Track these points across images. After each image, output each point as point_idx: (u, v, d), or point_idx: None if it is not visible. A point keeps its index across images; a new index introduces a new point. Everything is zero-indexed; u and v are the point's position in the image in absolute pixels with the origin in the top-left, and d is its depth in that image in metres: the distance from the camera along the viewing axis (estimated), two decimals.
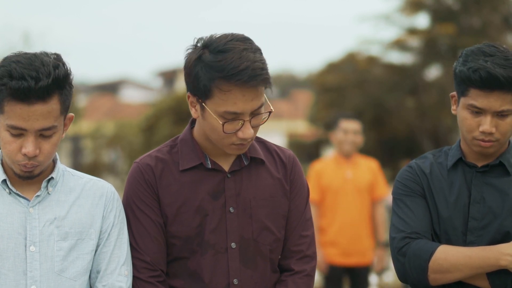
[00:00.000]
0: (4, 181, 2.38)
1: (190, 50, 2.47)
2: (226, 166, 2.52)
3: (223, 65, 2.36)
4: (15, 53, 2.34)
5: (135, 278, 2.47)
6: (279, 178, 2.55)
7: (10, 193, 2.38)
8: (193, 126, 2.59)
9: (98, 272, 2.46)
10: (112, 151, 35.03)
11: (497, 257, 2.42)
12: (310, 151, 37.51)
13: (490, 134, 2.54)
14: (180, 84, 45.68)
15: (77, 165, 39.43)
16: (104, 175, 35.10)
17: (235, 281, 2.47)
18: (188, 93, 2.48)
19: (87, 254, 2.43)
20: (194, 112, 2.47)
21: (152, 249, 2.48)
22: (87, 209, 2.46)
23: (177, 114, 30.31)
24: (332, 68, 29.40)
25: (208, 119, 2.43)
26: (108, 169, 35.11)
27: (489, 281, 2.46)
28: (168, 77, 50.19)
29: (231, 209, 2.47)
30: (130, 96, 52.68)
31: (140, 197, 2.50)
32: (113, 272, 2.47)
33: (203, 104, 2.42)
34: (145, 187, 2.49)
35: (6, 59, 2.33)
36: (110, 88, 54.75)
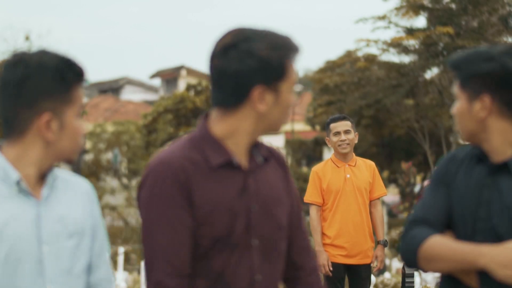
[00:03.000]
0: (18, 181, 2.34)
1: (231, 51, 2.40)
2: (244, 164, 2.52)
3: (286, 40, 2.43)
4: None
5: (160, 282, 2.37)
6: (282, 177, 2.60)
7: (20, 192, 2.34)
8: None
9: (90, 267, 2.49)
10: (112, 152, 35.00)
11: (476, 256, 2.45)
12: (310, 152, 37.50)
13: None
14: (180, 85, 45.64)
15: (77, 166, 39.41)
16: (104, 176, 35.13)
17: (258, 278, 2.49)
18: (258, 86, 2.39)
19: (87, 251, 2.46)
20: (263, 106, 2.41)
21: (181, 253, 2.39)
22: (81, 206, 2.47)
23: (176, 114, 30.35)
24: (331, 66, 29.42)
25: (283, 100, 2.44)
26: (108, 170, 35.09)
27: (478, 280, 2.50)
28: (167, 77, 50.16)
29: (255, 207, 2.48)
30: (130, 96, 52.65)
31: (172, 198, 2.38)
32: (104, 264, 2.54)
33: (277, 87, 2.41)
34: (178, 187, 2.38)
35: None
36: (110, 88, 54.71)
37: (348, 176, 6.84)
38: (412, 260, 2.59)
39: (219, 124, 2.46)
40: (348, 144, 6.83)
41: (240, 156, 2.49)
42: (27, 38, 30.32)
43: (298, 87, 37.80)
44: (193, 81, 34.81)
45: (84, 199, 2.49)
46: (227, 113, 2.44)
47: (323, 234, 6.84)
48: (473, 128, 2.55)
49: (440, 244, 2.53)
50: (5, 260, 2.29)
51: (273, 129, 2.50)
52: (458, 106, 2.59)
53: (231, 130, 2.45)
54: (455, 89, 2.61)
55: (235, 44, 2.39)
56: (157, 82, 55.56)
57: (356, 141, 6.91)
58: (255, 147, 2.55)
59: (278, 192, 2.57)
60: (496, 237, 2.49)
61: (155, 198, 2.39)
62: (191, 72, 46.90)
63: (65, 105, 2.33)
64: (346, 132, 6.82)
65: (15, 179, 2.32)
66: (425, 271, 2.61)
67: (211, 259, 2.43)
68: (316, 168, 6.98)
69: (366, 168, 6.93)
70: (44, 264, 2.34)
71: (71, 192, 2.46)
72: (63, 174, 2.49)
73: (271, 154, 2.60)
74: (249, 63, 2.37)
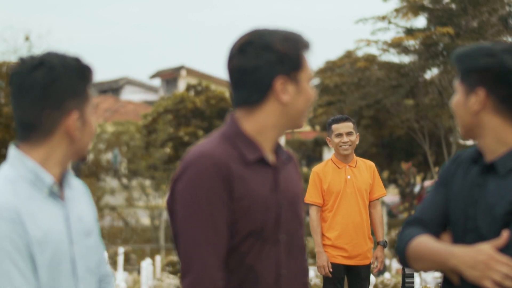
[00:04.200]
0: (52, 185, 2.36)
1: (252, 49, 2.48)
2: (273, 161, 2.58)
3: (299, 35, 2.53)
4: None
5: (206, 275, 2.38)
6: (298, 177, 2.69)
7: (50, 195, 2.36)
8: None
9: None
10: (112, 152, 34.99)
11: (448, 256, 2.49)
12: (310, 153, 37.49)
13: None
14: (180, 85, 45.64)
15: (77, 166, 39.40)
16: (104, 176, 35.13)
17: (284, 272, 2.54)
18: (279, 77, 2.46)
19: (97, 249, 2.52)
20: (287, 96, 2.48)
21: (223, 246, 2.42)
22: (88, 205, 2.53)
23: (176, 114, 30.35)
24: (331, 66, 29.42)
25: (304, 91, 2.51)
26: (108, 170, 35.08)
27: (459, 278, 2.53)
28: (167, 77, 50.17)
29: (284, 203, 2.54)
30: (130, 96, 52.66)
31: (215, 191, 2.39)
32: (104, 260, 2.62)
33: (297, 77, 2.49)
34: (220, 181, 2.39)
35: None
36: (110, 88, 54.71)
37: (348, 177, 6.84)
38: (402, 259, 2.66)
39: (247, 122, 2.52)
40: (349, 145, 6.83)
41: (269, 153, 2.55)
42: (27, 38, 30.32)
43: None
44: (193, 81, 34.82)
45: (87, 197, 2.55)
46: (253, 110, 2.51)
47: (323, 235, 6.84)
48: (468, 122, 2.59)
49: (422, 244, 2.59)
50: (50, 264, 2.32)
51: (297, 123, 2.56)
52: (456, 98, 2.64)
53: (259, 126, 2.51)
54: (456, 82, 2.66)
55: (251, 42, 2.48)
56: (157, 82, 55.57)
57: (357, 142, 6.92)
58: (278, 145, 2.61)
59: (299, 190, 2.65)
60: (480, 237, 2.51)
61: (197, 190, 2.39)
62: (191, 72, 46.90)
63: (85, 103, 2.40)
64: (348, 134, 6.82)
65: (49, 183, 2.35)
66: (415, 270, 2.67)
67: (242, 253, 2.46)
68: (317, 168, 6.98)
69: (366, 169, 6.94)
70: (76, 264, 2.39)
71: (78, 191, 2.51)
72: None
73: (289, 154, 2.68)
74: (267, 56, 2.46)
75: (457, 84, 2.64)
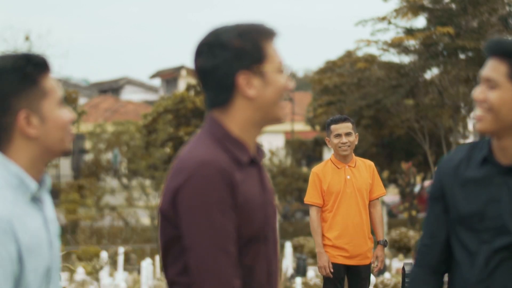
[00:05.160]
0: (36, 190, 2.34)
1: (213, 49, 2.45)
2: (257, 159, 2.55)
3: (258, 26, 2.47)
4: None
5: (229, 283, 2.36)
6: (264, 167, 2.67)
7: (32, 200, 2.34)
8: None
9: None
10: (112, 152, 34.99)
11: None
12: (310, 153, 37.48)
13: None
14: (180, 85, 45.64)
15: (77, 166, 39.42)
16: (104, 176, 35.13)
17: (272, 269, 2.54)
18: (240, 73, 2.42)
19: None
20: (253, 91, 2.43)
21: (236, 257, 2.40)
22: (50, 203, 2.49)
23: (176, 114, 30.34)
24: (331, 66, 29.42)
25: (272, 82, 2.45)
26: (108, 170, 35.08)
27: None
28: (167, 77, 50.18)
29: (269, 200, 2.53)
30: (130, 96, 52.66)
31: (224, 200, 2.36)
32: None
33: (261, 70, 2.44)
34: (226, 189, 2.36)
35: None
36: (110, 88, 54.71)
37: (348, 177, 6.85)
38: None
39: (229, 123, 2.47)
40: (348, 146, 6.83)
41: (252, 151, 2.52)
42: (27, 38, 30.32)
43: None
44: (193, 81, 34.81)
45: (48, 195, 2.49)
46: (226, 110, 2.46)
47: (323, 235, 6.85)
48: (511, 120, 2.51)
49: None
50: (36, 269, 2.30)
51: (274, 116, 2.50)
52: (502, 95, 2.51)
53: (240, 125, 2.47)
54: (496, 75, 2.52)
55: (207, 42, 2.46)
56: (157, 82, 55.57)
57: (356, 143, 6.92)
58: (257, 142, 2.59)
59: (270, 183, 2.62)
60: (508, 234, 2.53)
61: (207, 200, 2.34)
62: (191, 72, 46.85)
63: (40, 99, 2.33)
64: (347, 134, 6.82)
65: (33, 188, 2.32)
66: None
67: (242, 255, 2.43)
68: (316, 169, 6.98)
69: (365, 168, 6.94)
70: (52, 266, 2.37)
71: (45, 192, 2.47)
72: None
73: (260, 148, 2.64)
74: (223, 54, 2.42)
75: (502, 79, 2.51)
